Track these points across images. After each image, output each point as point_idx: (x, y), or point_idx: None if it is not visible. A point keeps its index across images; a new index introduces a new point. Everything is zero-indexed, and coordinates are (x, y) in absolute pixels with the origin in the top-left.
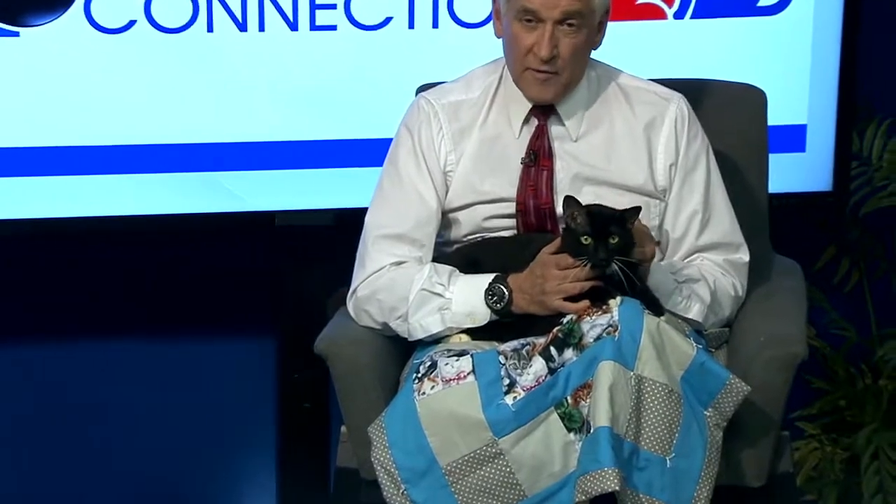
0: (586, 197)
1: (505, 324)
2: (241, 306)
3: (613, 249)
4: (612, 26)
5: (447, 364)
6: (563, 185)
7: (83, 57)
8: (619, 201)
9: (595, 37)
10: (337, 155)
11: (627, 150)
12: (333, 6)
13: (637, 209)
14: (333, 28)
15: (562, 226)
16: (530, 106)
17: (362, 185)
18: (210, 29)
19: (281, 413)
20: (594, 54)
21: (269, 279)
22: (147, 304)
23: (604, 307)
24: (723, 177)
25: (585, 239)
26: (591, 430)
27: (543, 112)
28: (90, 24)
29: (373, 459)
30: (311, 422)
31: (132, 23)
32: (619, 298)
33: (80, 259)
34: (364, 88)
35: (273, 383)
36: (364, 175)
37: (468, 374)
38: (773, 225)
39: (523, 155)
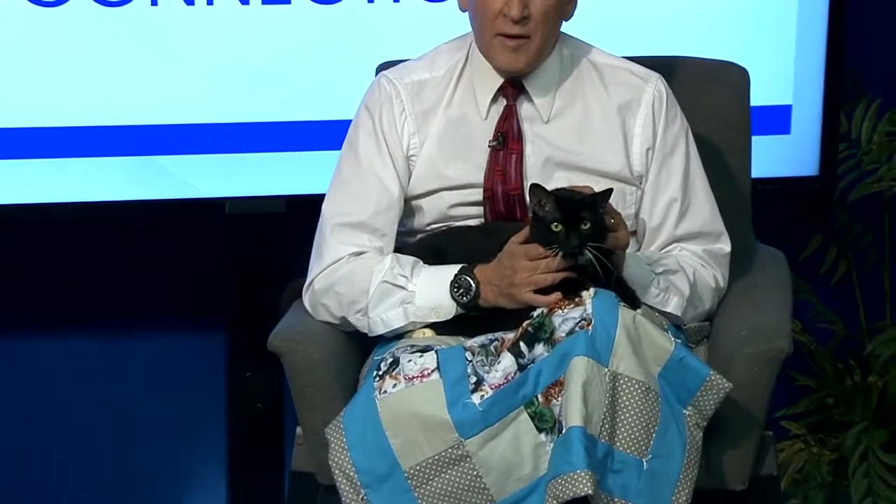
0: (558, 182)
1: (472, 318)
2: (190, 299)
3: (586, 235)
4: None
5: (410, 361)
6: (534, 169)
7: (16, 32)
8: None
9: (567, 6)
10: (292, 138)
11: (602, 133)
12: None
13: (608, 192)
14: (287, 2)
15: (531, 214)
16: (498, 85)
17: (319, 171)
18: (154, 2)
19: (232, 414)
20: (565, 27)
21: (219, 270)
22: (87, 298)
23: (576, 300)
24: (703, 161)
25: (555, 226)
26: (563, 431)
27: (512, 91)
28: None
29: (330, 462)
30: (265, 423)
31: None
32: (592, 290)
33: (12, 249)
34: (320, 67)
35: (223, 382)
36: (321, 159)
37: (432, 371)
38: (756, 212)
39: (491, 138)
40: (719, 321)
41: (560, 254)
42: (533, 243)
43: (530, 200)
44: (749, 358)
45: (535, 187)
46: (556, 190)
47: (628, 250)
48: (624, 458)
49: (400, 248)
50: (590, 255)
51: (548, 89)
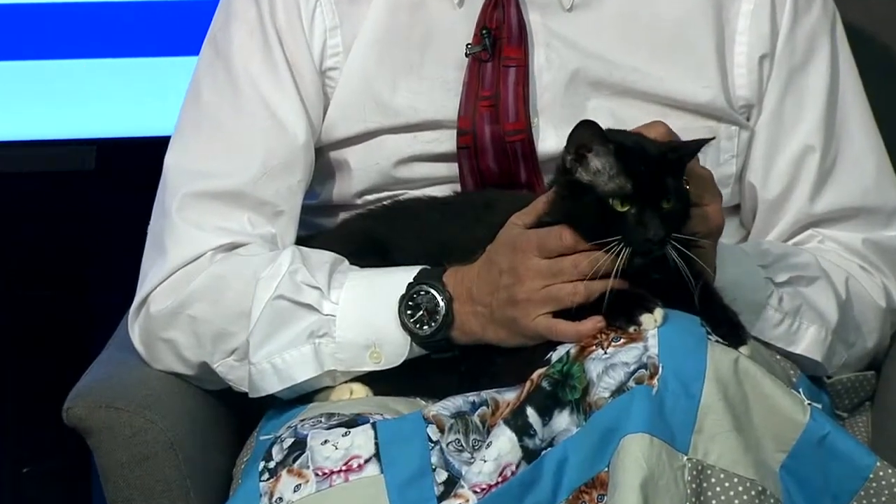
0: (596, 117)
1: (439, 362)
2: None
3: (672, 220)
4: None
5: (326, 442)
6: (550, 95)
7: None
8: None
9: None
10: (106, 36)
11: (673, 31)
12: None
13: (704, 141)
14: None
15: (548, 177)
16: None
17: (155, 96)
18: None
19: None
20: None
21: None
22: None
23: (631, 330)
24: (864, 81)
25: (621, 204)
26: None
27: None
28: None
29: None
30: None
31: None
32: (659, 313)
33: None
34: None
35: None
36: (160, 76)
37: (367, 461)
38: None
39: (470, 39)
40: (892, 369)
41: (626, 253)
42: (551, 227)
43: (567, 150)
44: None
45: (587, 127)
46: (619, 133)
47: (725, 240)
48: None
49: (308, 239)
50: (675, 256)
51: None
